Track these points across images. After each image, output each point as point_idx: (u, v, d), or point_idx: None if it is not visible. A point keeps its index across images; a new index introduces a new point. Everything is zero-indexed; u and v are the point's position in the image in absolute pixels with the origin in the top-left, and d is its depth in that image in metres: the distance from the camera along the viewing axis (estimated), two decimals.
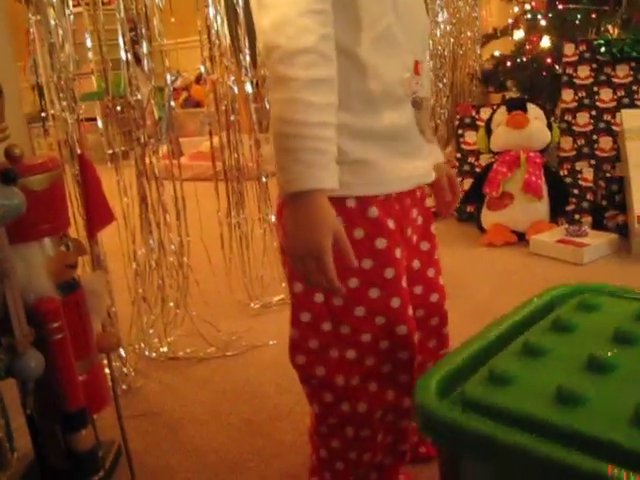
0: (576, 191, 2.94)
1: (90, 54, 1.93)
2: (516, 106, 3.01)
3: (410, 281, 1.22)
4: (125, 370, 1.93)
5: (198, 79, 5.41)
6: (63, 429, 1.23)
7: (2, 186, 0.96)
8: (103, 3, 1.97)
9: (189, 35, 2.31)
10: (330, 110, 0.93)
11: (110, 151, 1.96)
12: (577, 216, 2.89)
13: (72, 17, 1.80)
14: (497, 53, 3.95)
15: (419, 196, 1.19)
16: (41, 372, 1.09)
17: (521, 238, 2.86)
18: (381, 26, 1.01)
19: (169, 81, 2.16)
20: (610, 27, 3.24)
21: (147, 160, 1.98)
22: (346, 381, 1.14)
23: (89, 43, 1.93)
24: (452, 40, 3.74)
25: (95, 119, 2.00)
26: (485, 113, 3.23)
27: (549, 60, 3.46)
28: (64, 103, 1.75)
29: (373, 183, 1.04)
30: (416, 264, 1.24)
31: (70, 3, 1.80)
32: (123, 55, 1.92)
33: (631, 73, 3.00)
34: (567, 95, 3.08)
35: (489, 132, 3.05)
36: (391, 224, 1.08)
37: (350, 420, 1.18)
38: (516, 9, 3.93)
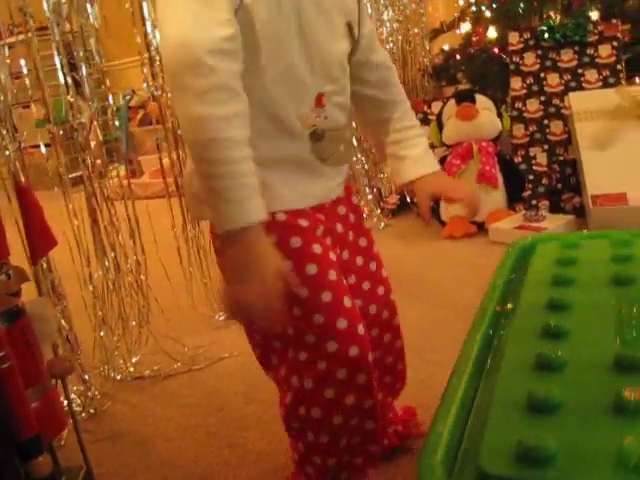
0: (531, 177, 2.98)
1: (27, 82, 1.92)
2: (465, 98, 3.04)
3: (357, 278, 1.24)
4: (90, 394, 1.92)
5: (154, 96, 5.40)
6: (20, 458, 1.22)
7: None
8: (39, 29, 1.96)
9: (136, 54, 2.30)
10: (246, 142, 0.93)
11: (58, 176, 1.95)
12: (534, 201, 2.92)
13: (7, 48, 1.80)
14: (446, 47, 3.98)
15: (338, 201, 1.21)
16: None
17: (481, 228, 2.88)
18: (282, 66, 1.02)
19: (122, 100, 2.16)
20: (552, 13, 3.28)
21: (95, 182, 1.97)
22: (300, 383, 1.15)
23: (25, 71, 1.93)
24: (400, 37, 3.77)
25: (44, 145, 2.00)
26: (436, 107, 3.26)
27: (496, 50, 3.50)
28: (4, 131, 1.74)
29: (273, 201, 1.04)
30: (359, 260, 1.26)
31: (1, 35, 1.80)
32: (62, 80, 1.92)
33: (575, 57, 3.04)
34: (516, 83, 3.12)
35: (440, 126, 3.08)
36: (303, 223, 1.09)
37: (308, 425, 1.18)
38: (461, 2, 3.98)
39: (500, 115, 3.05)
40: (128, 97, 4.60)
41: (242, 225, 0.92)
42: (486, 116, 2.99)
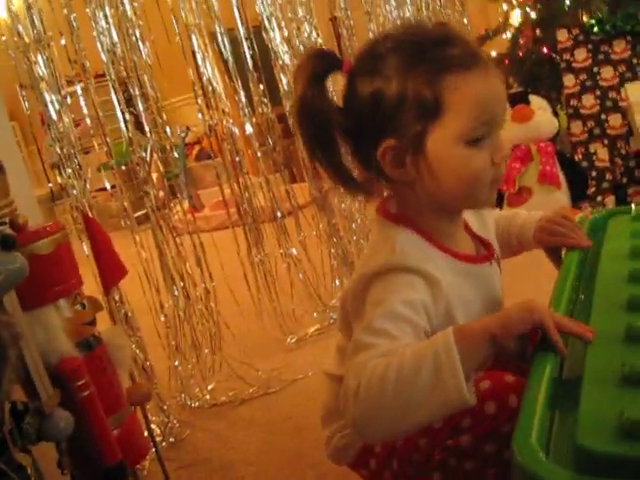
0: (594, 173, 2.91)
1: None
2: (518, 100, 2.99)
3: None
4: (169, 423, 1.94)
5: (210, 128, 5.50)
6: None
7: (2, 252, 0.98)
8: (96, 76, 2.02)
9: (189, 91, 2.35)
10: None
11: (124, 212, 2.00)
12: (599, 198, 2.85)
13: (69, 98, 1.86)
14: (494, 53, 3.94)
15: None
16: (70, 431, 1.11)
17: None
18: None
19: (178, 135, 2.21)
20: (600, 5, 3.22)
21: (159, 212, 2.00)
22: None
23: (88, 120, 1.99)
24: None
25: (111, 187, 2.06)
26: None
27: (545, 50, 3.45)
28: (69, 171, 1.79)
29: None
30: None
31: (61, 80, 1.85)
32: (120, 115, 1.97)
33: (629, 47, 2.97)
34: (568, 80, 3.06)
35: None
36: None
37: None
38: (505, 7, 3.94)
39: (556, 114, 3.00)
40: (183, 134, 4.71)
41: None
42: (542, 116, 2.94)
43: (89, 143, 2.10)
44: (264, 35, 2.49)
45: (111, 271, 1.37)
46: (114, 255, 1.39)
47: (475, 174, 0.97)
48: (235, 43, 2.41)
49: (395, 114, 0.95)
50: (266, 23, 2.45)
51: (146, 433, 1.42)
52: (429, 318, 0.93)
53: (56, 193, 4.30)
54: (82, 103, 1.96)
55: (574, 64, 3.05)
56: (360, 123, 1.00)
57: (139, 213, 2.07)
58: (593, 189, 2.88)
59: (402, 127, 0.95)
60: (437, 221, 1.03)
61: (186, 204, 2.43)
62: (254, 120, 2.38)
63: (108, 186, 2.01)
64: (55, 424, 1.10)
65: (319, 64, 1.02)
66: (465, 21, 3.99)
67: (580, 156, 2.96)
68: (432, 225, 1.02)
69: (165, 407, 1.96)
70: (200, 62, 2.18)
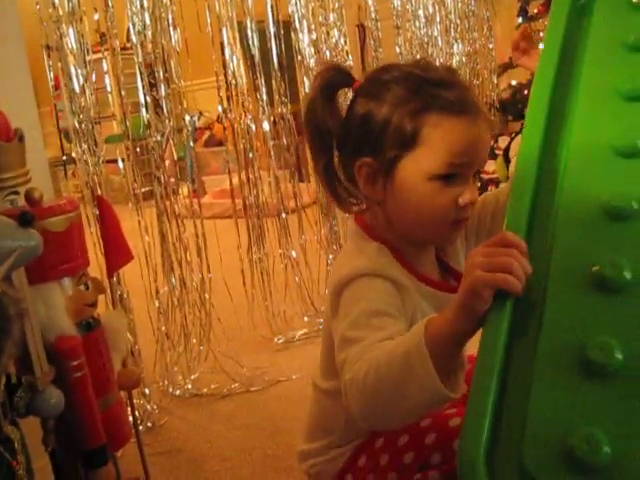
0: None
1: (110, 98, 1.99)
2: None
3: None
4: (149, 407, 1.95)
5: (220, 118, 5.50)
6: (84, 466, 1.24)
7: (19, 228, 0.99)
8: (122, 48, 2.03)
9: (208, 76, 2.37)
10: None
11: (132, 192, 2.01)
12: None
13: (91, 64, 1.86)
14: (514, 82, 3.96)
15: None
16: (60, 409, 1.11)
17: None
18: None
19: (189, 121, 2.21)
20: None
21: (167, 199, 2.01)
22: None
23: (109, 88, 1.99)
24: (468, 71, 3.77)
25: (117, 161, 2.06)
26: (503, 142, 3.24)
27: None
28: (85, 146, 1.80)
29: None
30: None
31: (89, 50, 1.86)
32: (142, 98, 1.97)
33: None
34: None
35: (507, 161, 3.06)
36: None
37: None
38: None
39: None
40: (195, 118, 4.71)
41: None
42: None
43: (103, 112, 2.10)
44: (292, 35, 2.50)
45: (117, 254, 1.37)
46: (122, 239, 1.39)
47: (434, 211, 1.01)
48: (262, 35, 2.42)
49: (377, 136, 1.02)
50: (297, 24, 2.46)
51: (130, 419, 1.42)
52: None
53: (60, 158, 4.30)
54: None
55: None
56: (348, 136, 1.07)
57: (145, 189, 2.07)
58: None
59: (380, 149, 1.02)
60: (404, 242, 1.07)
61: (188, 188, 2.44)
62: (272, 118, 2.39)
63: (121, 163, 2.01)
64: (46, 401, 1.10)
65: (334, 77, 1.10)
66: (491, 46, 4.01)
67: None
68: (400, 244, 1.07)
69: (147, 391, 1.97)
70: (227, 56, 2.18)
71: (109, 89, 1.99)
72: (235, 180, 2.42)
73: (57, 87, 1.94)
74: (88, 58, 1.85)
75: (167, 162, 2.02)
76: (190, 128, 2.21)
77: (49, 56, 1.85)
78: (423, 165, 0.99)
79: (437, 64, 1.13)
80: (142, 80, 1.98)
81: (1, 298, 0.98)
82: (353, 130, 1.05)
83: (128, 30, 2.04)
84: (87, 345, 1.23)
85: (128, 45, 2.11)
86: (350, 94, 1.11)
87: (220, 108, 2.25)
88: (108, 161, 1.92)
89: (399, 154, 1.00)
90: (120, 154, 2.01)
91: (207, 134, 5.39)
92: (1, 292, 0.97)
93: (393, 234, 1.07)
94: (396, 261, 1.05)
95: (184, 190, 2.27)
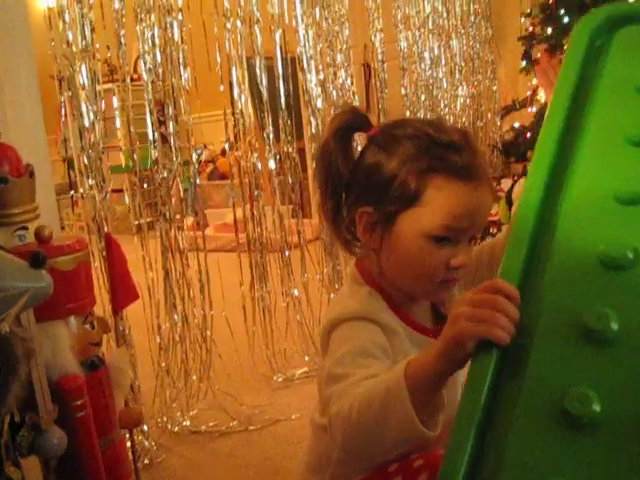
0: None
1: (118, 128, 2.01)
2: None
3: None
4: (147, 444, 1.93)
5: (224, 152, 5.54)
6: None
7: (31, 269, 0.99)
8: (132, 80, 2.05)
9: (214, 108, 2.40)
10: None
11: (136, 222, 2.03)
12: None
13: (101, 94, 1.89)
14: (517, 124, 4.00)
15: None
16: (63, 449, 1.11)
17: None
18: None
19: (195, 159, 2.23)
20: None
21: (172, 234, 2.02)
22: None
23: (118, 122, 2.02)
24: (472, 112, 3.81)
25: (122, 190, 2.08)
26: (506, 184, 3.27)
27: None
28: (92, 181, 1.81)
29: None
30: None
31: (100, 79, 1.89)
32: (150, 134, 2.00)
33: None
34: None
35: (510, 203, 3.08)
36: None
37: None
38: (534, 81, 4.00)
39: None
40: (199, 151, 4.74)
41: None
42: None
43: (109, 142, 2.13)
44: (299, 75, 2.54)
45: (123, 293, 1.38)
46: (129, 277, 1.40)
47: (425, 268, 1.02)
48: (270, 72, 2.45)
49: (382, 188, 1.03)
50: (304, 65, 2.49)
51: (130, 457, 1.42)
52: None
53: (64, 186, 4.32)
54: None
55: None
56: (355, 182, 1.08)
57: (149, 220, 2.09)
58: None
59: (383, 201, 1.03)
60: (397, 290, 1.09)
61: (190, 220, 2.45)
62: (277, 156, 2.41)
63: (127, 199, 2.03)
64: (49, 440, 1.10)
65: (350, 120, 1.11)
66: (494, 88, 4.06)
67: None
68: (393, 291, 1.08)
69: (145, 428, 1.95)
70: (236, 95, 2.21)
71: (118, 125, 2.00)
72: (238, 214, 2.43)
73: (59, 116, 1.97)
74: (98, 88, 1.87)
75: (174, 198, 2.03)
76: (196, 165, 2.24)
77: (60, 87, 1.87)
78: (421, 224, 1.01)
79: (451, 125, 1.12)
80: (151, 116, 2.00)
81: (9, 338, 0.98)
82: (360, 177, 1.07)
83: (137, 60, 2.07)
84: (91, 384, 1.23)
85: (135, 76, 2.14)
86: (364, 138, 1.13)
87: (227, 145, 2.27)
88: (112, 190, 1.93)
89: (400, 209, 1.02)
90: (124, 185, 2.03)
91: (210, 167, 5.42)
92: (10, 332, 0.97)
93: (387, 280, 1.08)
94: (388, 307, 1.07)
95: (187, 222, 2.28)
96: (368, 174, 1.06)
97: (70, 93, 1.84)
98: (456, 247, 1.02)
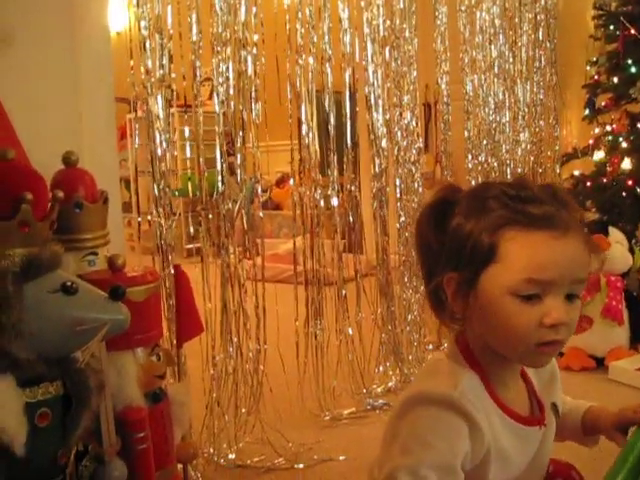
0: None
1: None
2: (598, 229, 2.99)
3: None
4: (193, 474, 1.92)
5: (278, 182, 5.59)
6: None
7: (110, 302, 1.00)
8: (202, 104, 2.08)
9: (274, 139, 2.41)
10: None
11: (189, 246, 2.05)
12: None
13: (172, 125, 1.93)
14: (577, 173, 3.94)
15: None
16: None
17: (600, 363, 2.78)
18: None
19: (260, 192, 2.25)
20: None
21: (232, 265, 2.03)
22: None
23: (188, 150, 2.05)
24: (532, 158, 3.77)
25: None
26: None
27: (630, 182, 3.44)
28: (161, 210, 1.84)
29: None
30: None
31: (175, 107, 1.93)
32: (219, 166, 2.02)
33: None
34: None
35: None
36: None
37: None
38: (597, 130, 3.95)
39: (632, 250, 2.97)
40: (254, 181, 4.78)
41: None
42: (618, 250, 2.92)
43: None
44: (367, 115, 2.55)
45: (189, 326, 1.39)
46: (195, 310, 1.41)
47: (515, 330, 0.97)
48: (338, 107, 2.46)
49: (459, 249, 1.01)
50: (372, 104, 2.51)
51: None
52: (463, 466, 0.96)
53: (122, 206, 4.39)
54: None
55: None
56: (441, 249, 1.05)
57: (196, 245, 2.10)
58: None
59: (463, 263, 1.00)
60: (494, 364, 1.04)
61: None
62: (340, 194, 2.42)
63: (192, 229, 2.05)
64: (110, 472, 1.10)
65: (442, 197, 1.08)
66: (556, 134, 4.02)
67: None
68: (490, 369, 1.04)
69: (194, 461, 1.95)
70: (304, 132, 2.23)
71: (188, 154, 2.03)
72: (291, 245, 2.43)
73: (123, 137, 2.00)
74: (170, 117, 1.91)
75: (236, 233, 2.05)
76: (249, 190, 2.25)
77: (131, 112, 1.91)
78: (501, 281, 0.96)
79: (536, 183, 1.09)
80: (220, 148, 2.03)
81: (84, 370, 0.99)
82: (446, 244, 1.04)
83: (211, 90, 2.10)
84: (153, 416, 1.23)
85: (208, 102, 2.16)
86: None
87: (292, 182, 2.28)
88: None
89: (479, 269, 0.99)
90: (179, 209, 2.06)
91: (264, 196, 5.45)
92: (85, 364, 0.98)
93: (484, 355, 1.04)
94: (487, 395, 1.02)
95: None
96: (451, 239, 1.03)
97: (135, 115, 1.88)
98: (545, 304, 0.96)
